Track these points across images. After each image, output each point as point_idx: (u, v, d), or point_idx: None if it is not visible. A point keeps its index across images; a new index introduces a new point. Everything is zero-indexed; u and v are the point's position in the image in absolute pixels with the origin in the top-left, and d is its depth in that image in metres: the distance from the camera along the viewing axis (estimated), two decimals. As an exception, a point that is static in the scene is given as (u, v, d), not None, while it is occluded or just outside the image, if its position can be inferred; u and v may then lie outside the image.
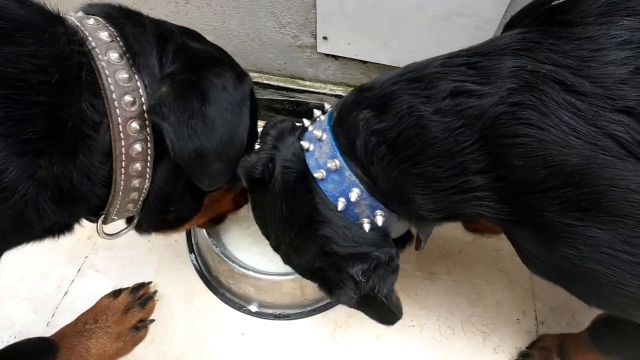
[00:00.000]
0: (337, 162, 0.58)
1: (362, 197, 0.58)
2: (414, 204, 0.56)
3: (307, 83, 1.24)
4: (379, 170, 0.56)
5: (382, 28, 1.00)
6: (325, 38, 1.07)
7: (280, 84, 1.24)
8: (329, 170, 0.59)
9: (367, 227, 0.59)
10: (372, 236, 0.61)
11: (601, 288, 0.47)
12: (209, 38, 0.69)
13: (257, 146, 0.69)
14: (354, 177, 0.58)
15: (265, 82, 1.24)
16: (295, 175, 0.61)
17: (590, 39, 0.44)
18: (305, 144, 0.62)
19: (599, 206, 0.43)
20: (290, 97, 1.26)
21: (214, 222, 0.95)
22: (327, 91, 1.22)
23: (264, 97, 1.28)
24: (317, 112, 0.68)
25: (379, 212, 0.59)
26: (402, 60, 1.06)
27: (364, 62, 1.12)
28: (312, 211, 0.60)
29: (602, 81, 0.42)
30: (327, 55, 1.14)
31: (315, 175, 0.59)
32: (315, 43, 1.11)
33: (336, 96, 1.21)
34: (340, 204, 0.59)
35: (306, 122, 0.67)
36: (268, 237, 0.71)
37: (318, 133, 0.61)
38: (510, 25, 0.59)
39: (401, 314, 0.64)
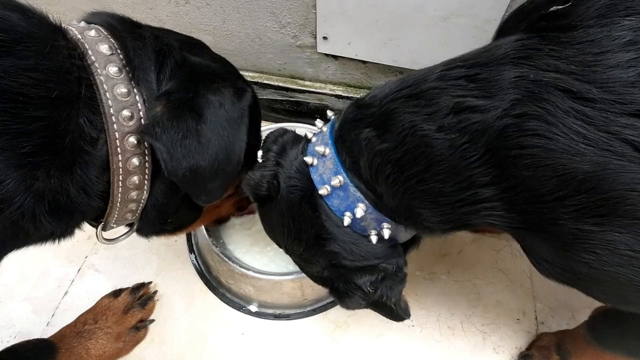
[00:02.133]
0: (340, 179, 0.58)
1: (368, 212, 0.58)
2: (421, 218, 0.56)
3: (307, 83, 1.24)
4: (385, 189, 0.56)
5: (382, 28, 1.00)
6: (325, 38, 1.07)
7: (280, 84, 1.24)
8: (333, 187, 0.59)
9: (374, 239, 0.60)
10: (380, 248, 0.61)
11: (621, 288, 0.47)
12: (209, 38, 0.69)
13: (260, 160, 0.68)
14: (358, 193, 0.58)
15: (265, 82, 1.24)
16: (300, 193, 0.62)
17: (593, 42, 0.43)
18: (308, 159, 0.62)
19: (617, 210, 0.42)
20: (290, 97, 1.26)
21: (218, 222, 0.95)
22: (327, 91, 1.22)
23: (264, 97, 1.28)
24: (319, 124, 0.67)
25: (385, 225, 0.59)
26: (402, 60, 1.06)
27: (364, 62, 1.12)
28: (319, 229, 0.61)
29: (610, 86, 0.41)
30: (327, 55, 1.14)
31: (320, 191, 0.60)
32: (315, 43, 1.11)
33: (336, 96, 1.21)
34: (347, 218, 0.59)
35: (308, 133, 0.67)
36: (279, 246, 0.72)
37: (321, 149, 0.61)
38: (502, 30, 0.58)
39: (409, 315, 0.65)
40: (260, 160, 0.68)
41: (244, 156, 0.61)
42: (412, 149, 0.52)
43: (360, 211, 0.58)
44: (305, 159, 0.62)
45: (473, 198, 0.50)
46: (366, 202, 0.58)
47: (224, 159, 0.58)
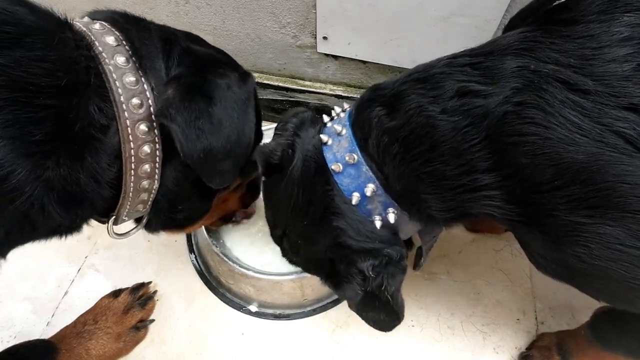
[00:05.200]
0: (355, 156, 0.59)
1: (377, 193, 0.59)
2: (425, 204, 0.56)
3: (307, 83, 1.24)
4: (391, 169, 0.57)
5: (382, 28, 1.00)
6: (325, 38, 1.07)
7: (280, 84, 1.24)
8: (346, 164, 0.59)
9: (378, 223, 0.60)
10: (384, 233, 0.61)
11: (612, 283, 0.48)
12: (209, 38, 0.69)
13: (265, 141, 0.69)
14: (370, 173, 0.58)
15: (265, 82, 1.24)
16: (315, 165, 0.62)
17: (592, 37, 0.44)
18: (324, 137, 0.62)
19: (608, 203, 0.43)
20: (290, 97, 1.26)
21: (224, 221, 0.95)
22: (327, 91, 1.22)
23: (264, 97, 1.28)
24: (337, 109, 0.68)
25: (391, 209, 0.59)
26: (402, 60, 1.06)
27: (364, 62, 1.12)
28: (328, 202, 0.60)
29: (605, 79, 0.42)
30: (327, 55, 1.14)
31: (332, 168, 0.60)
32: (315, 43, 1.11)
33: (336, 96, 1.21)
34: (355, 198, 0.59)
35: (325, 118, 0.67)
36: (275, 226, 0.71)
37: (338, 128, 0.62)
38: (510, 26, 0.59)
39: (403, 316, 0.64)
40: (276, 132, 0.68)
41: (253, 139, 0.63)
42: (418, 129, 0.53)
43: (369, 190, 0.58)
44: (321, 136, 0.63)
45: (473, 184, 0.51)
46: (377, 182, 0.58)
47: (235, 140, 0.60)
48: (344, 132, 0.61)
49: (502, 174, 0.49)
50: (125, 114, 0.53)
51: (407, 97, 0.54)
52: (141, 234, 0.72)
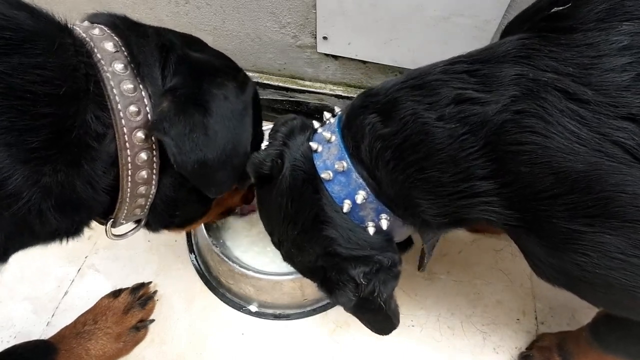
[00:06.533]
0: (344, 164, 0.58)
1: (368, 200, 0.58)
2: (419, 209, 0.56)
3: (307, 83, 1.24)
4: (384, 175, 0.56)
5: (382, 28, 1.00)
6: (325, 38, 1.07)
7: (280, 84, 1.24)
8: (336, 172, 0.59)
9: (371, 230, 0.60)
10: (376, 240, 0.61)
11: (613, 292, 0.47)
12: (209, 38, 0.69)
13: (265, 143, 0.69)
14: (360, 180, 0.58)
15: (265, 82, 1.24)
16: (303, 175, 0.62)
17: (591, 45, 0.44)
18: (314, 145, 0.62)
19: (607, 212, 0.43)
20: (290, 97, 1.26)
21: (226, 214, 0.95)
22: (327, 91, 1.22)
23: (264, 97, 1.28)
24: (327, 115, 0.68)
25: (384, 215, 0.59)
26: (402, 60, 1.06)
27: (364, 62, 1.12)
28: (317, 211, 0.60)
29: (604, 89, 0.42)
30: (327, 55, 1.14)
31: (322, 176, 0.60)
32: (315, 43, 1.11)
33: (336, 96, 1.21)
34: (346, 206, 0.59)
35: (316, 123, 0.67)
36: (271, 234, 0.71)
37: (327, 135, 0.61)
38: (507, 31, 0.59)
39: (398, 321, 0.64)
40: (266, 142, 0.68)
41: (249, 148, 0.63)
42: (413, 136, 0.52)
43: (360, 198, 0.58)
44: (310, 144, 0.62)
45: (471, 190, 0.50)
46: (367, 189, 0.58)
47: (231, 150, 0.60)
48: (333, 139, 0.61)
49: (501, 181, 0.48)
50: (122, 121, 0.53)
51: (402, 104, 0.53)
52: (141, 234, 0.72)
